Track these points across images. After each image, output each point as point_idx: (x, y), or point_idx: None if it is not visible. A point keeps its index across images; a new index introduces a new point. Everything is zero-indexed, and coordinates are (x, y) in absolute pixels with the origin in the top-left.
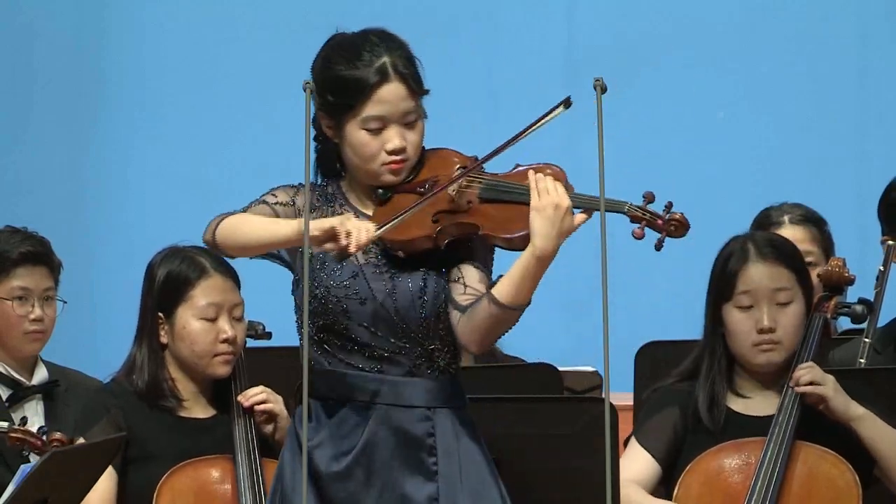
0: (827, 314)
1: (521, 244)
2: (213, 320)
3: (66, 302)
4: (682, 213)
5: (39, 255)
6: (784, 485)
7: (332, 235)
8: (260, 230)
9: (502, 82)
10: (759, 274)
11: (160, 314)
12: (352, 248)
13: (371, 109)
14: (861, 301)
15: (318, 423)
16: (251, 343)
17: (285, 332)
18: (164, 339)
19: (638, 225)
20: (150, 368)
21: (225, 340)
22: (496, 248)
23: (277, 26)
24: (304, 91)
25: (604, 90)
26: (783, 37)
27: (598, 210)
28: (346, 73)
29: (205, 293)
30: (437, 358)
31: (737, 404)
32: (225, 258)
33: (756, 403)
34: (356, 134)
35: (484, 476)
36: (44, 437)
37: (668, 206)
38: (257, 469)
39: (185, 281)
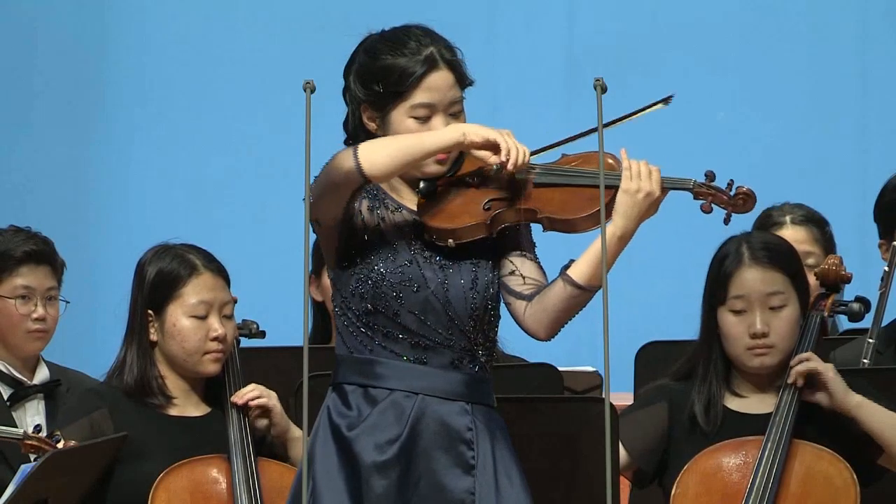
0: (824, 312)
1: (581, 226)
2: (204, 318)
3: (68, 302)
4: (748, 187)
5: (43, 254)
6: (782, 483)
7: (492, 146)
8: (410, 142)
9: (503, 82)
10: (752, 278)
11: (150, 312)
12: (510, 167)
13: (420, 97)
14: (858, 299)
15: (358, 411)
16: (248, 343)
17: (281, 331)
18: (153, 337)
19: (704, 201)
20: (140, 366)
21: (215, 338)
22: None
23: (278, 26)
24: (305, 91)
25: (604, 90)
26: (783, 37)
27: (678, 189)
28: (396, 60)
29: (195, 291)
30: (479, 354)
31: (734, 403)
32: (214, 256)
33: (753, 403)
34: (404, 122)
35: (516, 478)
36: (58, 445)
37: (731, 184)
38: (252, 468)
39: (175, 278)
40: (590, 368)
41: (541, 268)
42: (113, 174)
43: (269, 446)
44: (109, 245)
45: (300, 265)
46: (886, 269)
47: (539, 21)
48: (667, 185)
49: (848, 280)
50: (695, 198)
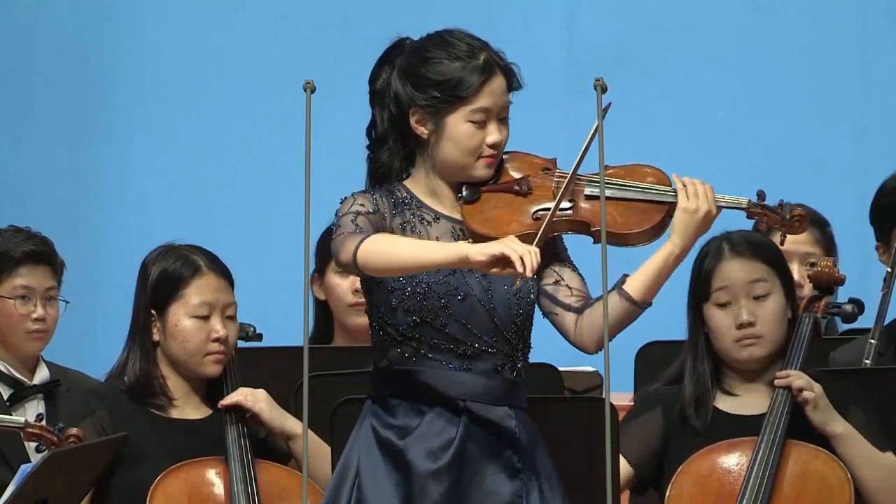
0: (817, 314)
1: (633, 241)
2: (206, 319)
3: (68, 302)
4: (801, 207)
5: (42, 254)
6: (776, 484)
7: (500, 261)
8: (411, 253)
9: None
10: (733, 269)
11: (153, 311)
12: (528, 273)
13: (481, 102)
14: (851, 301)
15: (405, 420)
16: (246, 344)
17: (282, 331)
18: (156, 337)
19: (758, 220)
20: (142, 366)
21: (217, 339)
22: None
23: (278, 26)
24: (305, 91)
25: (604, 90)
26: (783, 37)
27: (733, 209)
28: (452, 64)
29: (198, 292)
30: (518, 358)
31: (726, 403)
32: (218, 258)
33: (745, 401)
34: (461, 127)
35: (554, 478)
36: (60, 434)
37: (781, 203)
38: (250, 470)
39: (178, 279)
40: (590, 368)
41: (583, 278)
42: (113, 174)
43: (272, 445)
44: (109, 245)
45: (300, 265)
46: (889, 269)
47: (539, 21)
48: (721, 205)
49: (841, 282)
50: (748, 217)
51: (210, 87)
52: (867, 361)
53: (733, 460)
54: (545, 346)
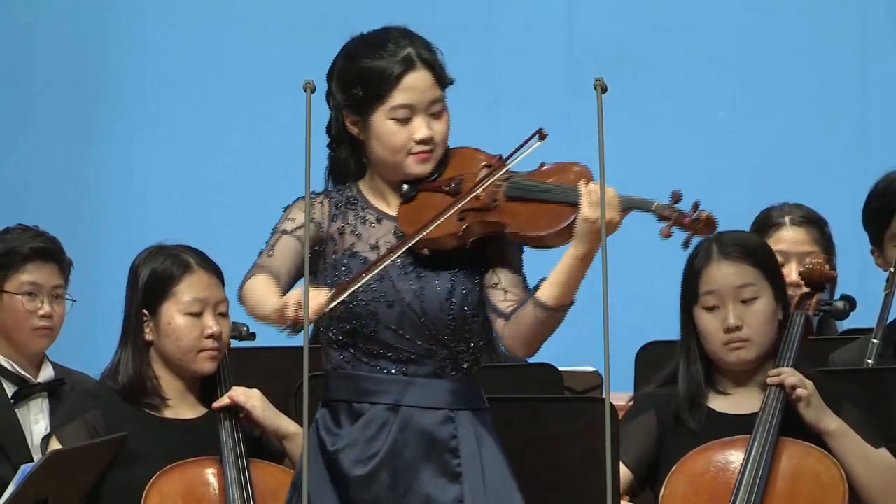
0: (808, 311)
1: (550, 242)
2: (199, 316)
3: (75, 300)
4: (709, 212)
5: (50, 251)
6: (770, 482)
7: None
8: (257, 304)
9: (503, 83)
10: (720, 273)
11: (145, 311)
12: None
13: (398, 98)
14: (843, 298)
15: (342, 425)
16: (244, 344)
17: (277, 333)
18: (149, 337)
19: (665, 224)
20: (135, 366)
21: (210, 336)
22: (524, 249)
23: (278, 26)
24: (305, 91)
25: (604, 90)
26: (783, 37)
27: (638, 210)
28: (373, 63)
29: (190, 289)
30: (462, 360)
31: (719, 403)
32: (208, 255)
33: (738, 401)
34: (384, 124)
35: (505, 477)
36: None
37: (696, 206)
38: (245, 470)
39: (169, 277)
40: (590, 368)
41: (523, 281)
42: (113, 174)
43: (266, 444)
44: (109, 245)
45: None
46: (893, 269)
47: (539, 21)
48: (627, 206)
49: (832, 279)
50: (659, 220)
51: (210, 87)
52: (869, 361)
53: (727, 459)
54: (545, 345)
